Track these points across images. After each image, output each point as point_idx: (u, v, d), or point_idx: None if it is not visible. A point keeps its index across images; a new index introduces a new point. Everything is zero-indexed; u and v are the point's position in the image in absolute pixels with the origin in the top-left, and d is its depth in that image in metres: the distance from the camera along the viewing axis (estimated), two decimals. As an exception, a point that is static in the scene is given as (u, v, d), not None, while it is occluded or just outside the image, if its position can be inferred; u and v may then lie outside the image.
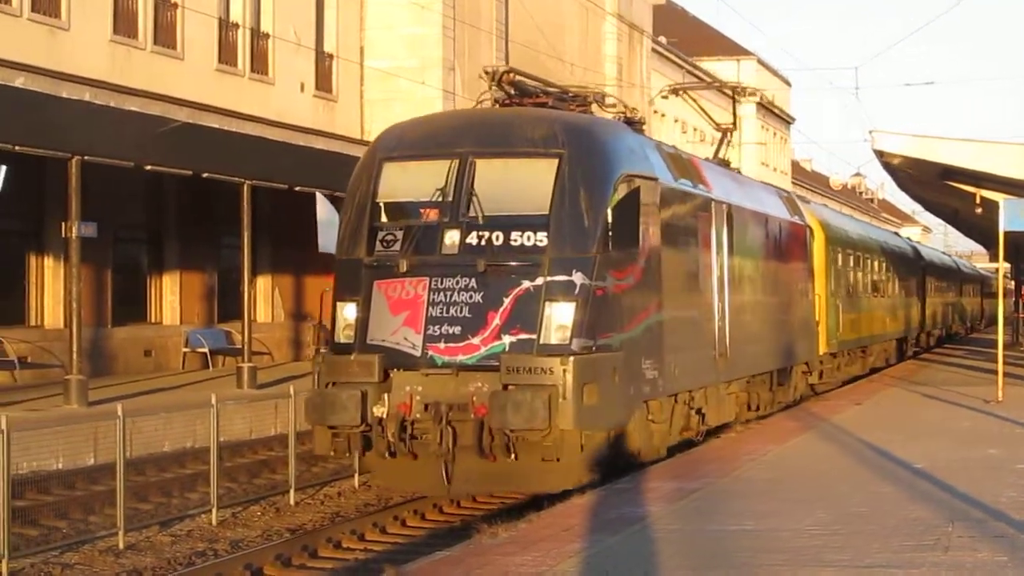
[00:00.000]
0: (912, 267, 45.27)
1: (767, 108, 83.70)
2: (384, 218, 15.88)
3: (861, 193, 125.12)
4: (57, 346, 27.57)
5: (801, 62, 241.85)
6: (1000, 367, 25.86)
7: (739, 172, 24.71)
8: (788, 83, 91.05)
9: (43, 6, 28.33)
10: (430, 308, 15.00)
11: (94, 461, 19.19)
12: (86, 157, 23.68)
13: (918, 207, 66.88)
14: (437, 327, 14.93)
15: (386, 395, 14.97)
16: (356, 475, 18.56)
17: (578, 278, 15.02)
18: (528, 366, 14.56)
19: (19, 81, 26.47)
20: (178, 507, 17.43)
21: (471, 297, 14.97)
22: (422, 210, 15.73)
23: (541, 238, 15.15)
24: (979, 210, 31.49)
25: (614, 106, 19.79)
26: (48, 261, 29.07)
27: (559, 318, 14.89)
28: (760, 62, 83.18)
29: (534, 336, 14.80)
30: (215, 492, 16.53)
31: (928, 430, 20.39)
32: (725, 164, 23.68)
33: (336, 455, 16.26)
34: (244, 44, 34.92)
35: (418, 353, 14.91)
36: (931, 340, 50.61)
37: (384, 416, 14.92)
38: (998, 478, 14.91)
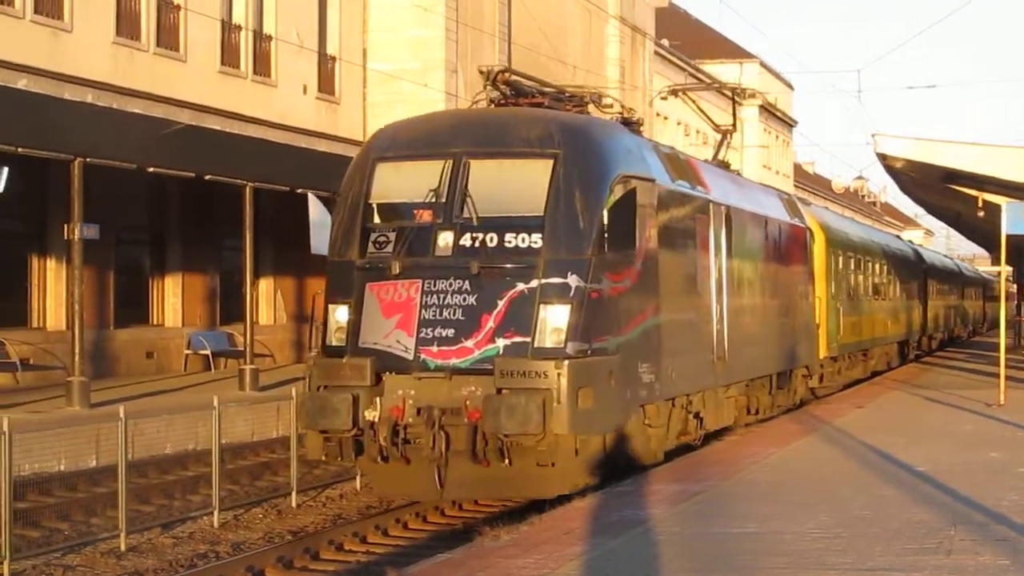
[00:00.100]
0: (914, 270, 45.25)
1: (769, 111, 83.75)
2: (377, 219, 15.69)
3: (864, 196, 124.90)
4: (59, 348, 27.58)
5: (803, 65, 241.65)
6: (1002, 370, 25.84)
7: (739, 174, 24.62)
8: (790, 86, 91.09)
9: (46, 8, 28.35)
10: (423, 311, 14.80)
11: (96, 463, 19.20)
12: (88, 159, 23.70)
13: (921, 210, 66.98)
14: (430, 330, 14.73)
15: (378, 399, 14.77)
16: (358, 477, 18.53)
17: (573, 280, 14.85)
18: (522, 370, 14.37)
19: (22, 83, 26.51)
20: (180, 509, 17.43)
21: (464, 299, 14.77)
22: (415, 211, 15.54)
23: (536, 240, 14.96)
24: (981, 213, 31.49)
25: (611, 106, 19.62)
26: (50, 263, 29.09)
27: (554, 321, 14.70)
28: (762, 65, 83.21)
29: (528, 339, 14.61)
30: (217, 494, 16.52)
31: (930, 433, 20.38)
32: (725, 166, 23.47)
33: (328, 460, 16.01)
34: (247, 46, 34.94)
35: (411, 356, 14.72)
36: (933, 343, 50.59)
37: (376, 420, 14.71)
38: (1000, 481, 14.90)
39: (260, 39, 35.53)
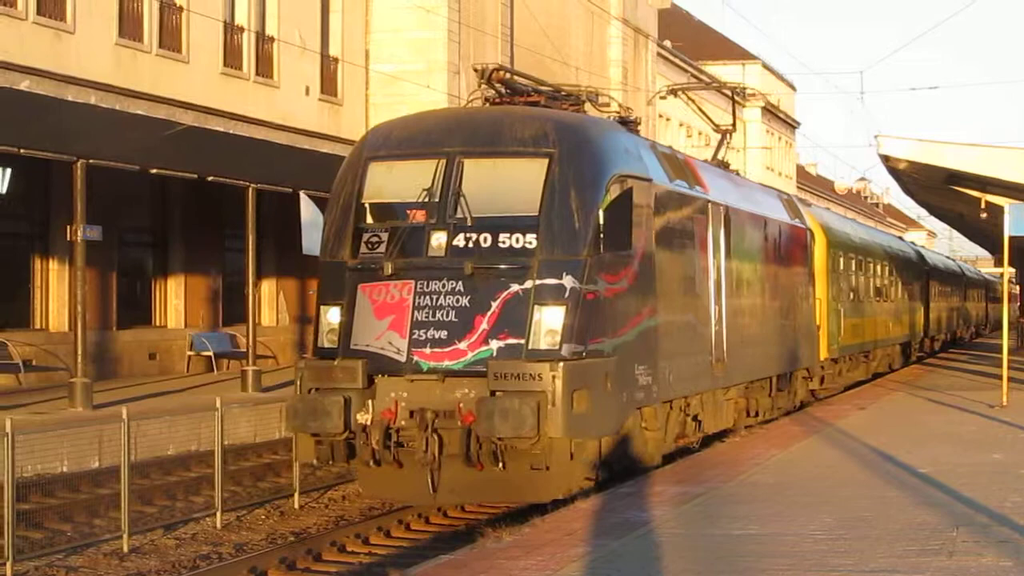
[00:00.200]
0: (916, 271, 45.21)
1: (772, 112, 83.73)
2: (369, 219, 15.49)
3: (866, 197, 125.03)
4: (62, 349, 27.61)
5: (806, 66, 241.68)
6: (1005, 372, 25.86)
7: (738, 174, 24.48)
8: (793, 87, 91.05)
9: (48, 9, 28.36)
10: (416, 312, 14.61)
11: (99, 464, 19.23)
12: (91, 160, 23.71)
13: (923, 212, 66.90)
14: (423, 331, 14.54)
15: (370, 401, 14.59)
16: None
17: (568, 281, 14.65)
18: (516, 372, 14.16)
19: (24, 84, 26.52)
20: (182, 510, 17.45)
21: (458, 301, 14.57)
22: (408, 211, 15.31)
23: (530, 240, 14.76)
24: (984, 214, 31.52)
25: (607, 105, 19.39)
26: (53, 264, 29.12)
27: (548, 322, 14.49)
28: (765, 66, 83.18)
29: (522, 341, 14.40)
30: (219, 495, 16.53)
31: (932, 435, 20.38)
32: (724, 166, 23.23)
33: (319, 463, 15.70)
34: (249, 47, 34.95)
35: (403, 358, 14.52)
36: (935, 345, 50.57)
37: (368, 423, 14.50)
38: (1003, 483, 14.90)
39: (263, 40, 35.54)
